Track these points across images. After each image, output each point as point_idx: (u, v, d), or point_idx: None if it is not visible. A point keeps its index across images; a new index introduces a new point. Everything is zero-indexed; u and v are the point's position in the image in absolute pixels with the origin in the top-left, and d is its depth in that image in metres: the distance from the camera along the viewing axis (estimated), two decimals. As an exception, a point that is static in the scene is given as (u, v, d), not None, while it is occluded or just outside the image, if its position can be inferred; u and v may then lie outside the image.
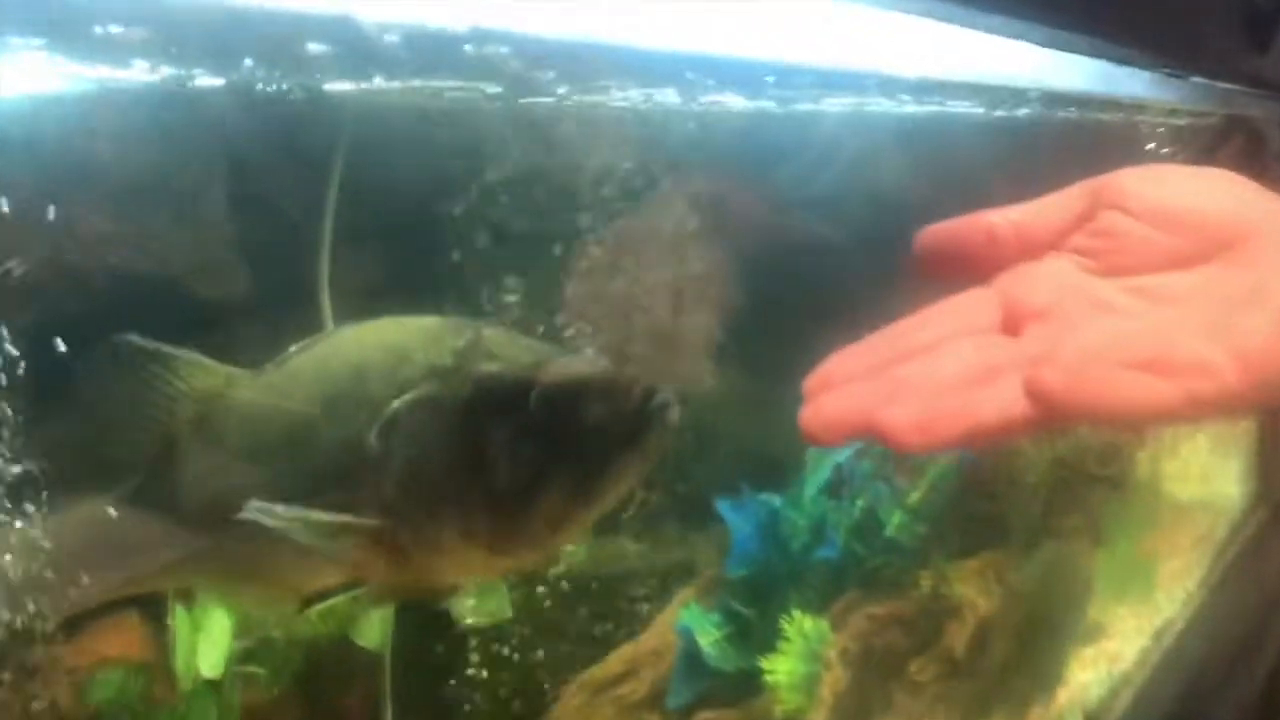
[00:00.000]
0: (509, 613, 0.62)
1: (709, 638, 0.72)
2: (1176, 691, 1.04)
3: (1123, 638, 1.02)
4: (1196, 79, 0.97)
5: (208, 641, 0.51)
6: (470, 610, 0.61)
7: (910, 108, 0.74)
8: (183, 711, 0.53)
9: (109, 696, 0.50)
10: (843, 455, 0.83)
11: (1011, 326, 0.35)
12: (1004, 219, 0.38)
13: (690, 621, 0.72)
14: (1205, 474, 1.26)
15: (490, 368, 0.43)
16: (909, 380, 0.32)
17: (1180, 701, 1.04)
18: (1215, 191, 0.39)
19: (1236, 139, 1.26)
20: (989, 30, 0.52)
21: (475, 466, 0.41)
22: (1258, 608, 1.35)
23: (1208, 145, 1.21)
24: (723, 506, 0.77)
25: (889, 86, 0.65)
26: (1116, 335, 0.33)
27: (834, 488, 0.83)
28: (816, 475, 0.84)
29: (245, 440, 0.46)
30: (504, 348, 0.44)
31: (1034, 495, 0.92)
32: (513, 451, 0.41)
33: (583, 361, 0.45)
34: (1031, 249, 0.37)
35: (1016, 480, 0.90)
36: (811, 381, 0.33)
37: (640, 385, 0.44)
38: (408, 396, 0.41)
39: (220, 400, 0.47)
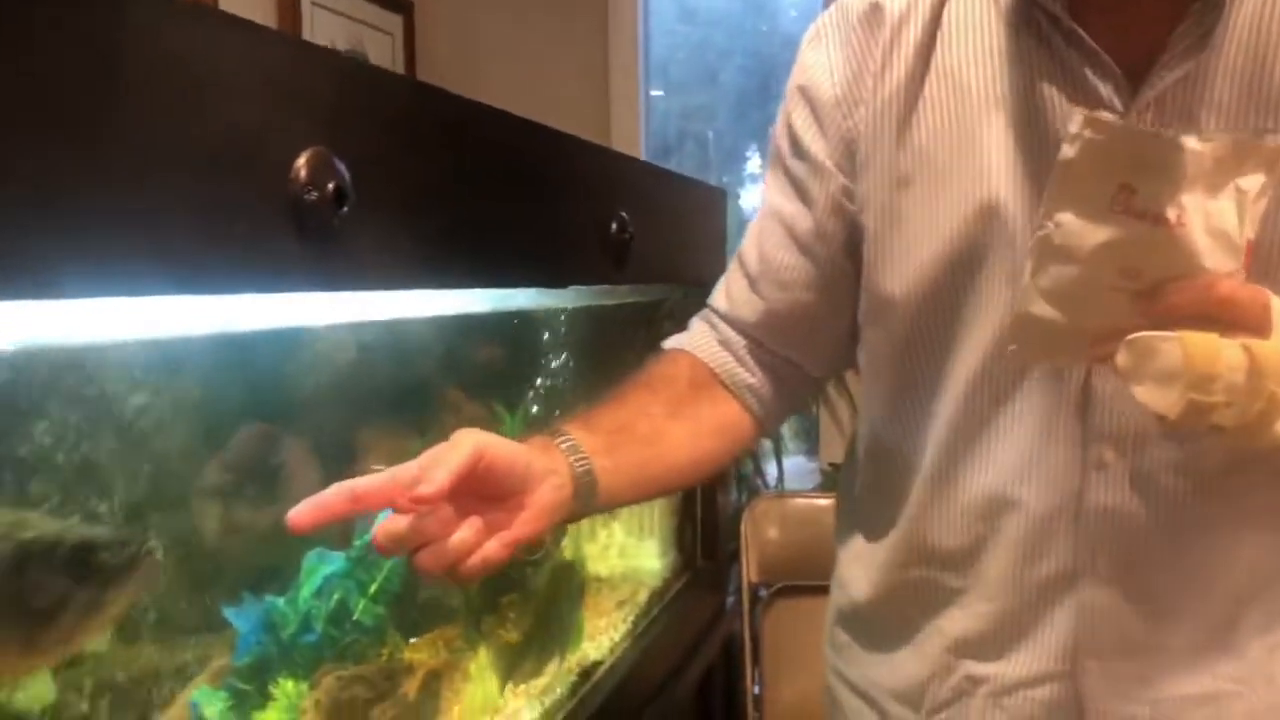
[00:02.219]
0: (53, 695, 0.88)
1: (214, 709, 1.00)
2: (600, 706, 1.41)
3: (554, 676, 1.40)
4: (576, 286, 1.42)
5: None
6: (21, 700, 0.86)
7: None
8: None
9: None
10: (332, 567, 1.16)
11: None
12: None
13: (200, 699, 1.00)
14: (624, 551, 1.73)
15: (29, 534, 0.70)
16: None
17: (604, 713, 1.43)
18: (512, 452, 0.75)
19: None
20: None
21: (13, 601, 0.68)
22: (680, 649, 1.84)
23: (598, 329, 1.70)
24: (229, 612, 1.06)
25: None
26: None
27: (321, 590, 1.15)
28: (310, 582, 1.15)
29: None
30: (40, 523, 0.71)
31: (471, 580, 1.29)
32: (39, 587, 0.68)
33: (96, 529, 0.72)
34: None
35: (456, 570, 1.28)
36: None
37: (136, 539, 0.73)
38: None
39: None
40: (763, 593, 2.47)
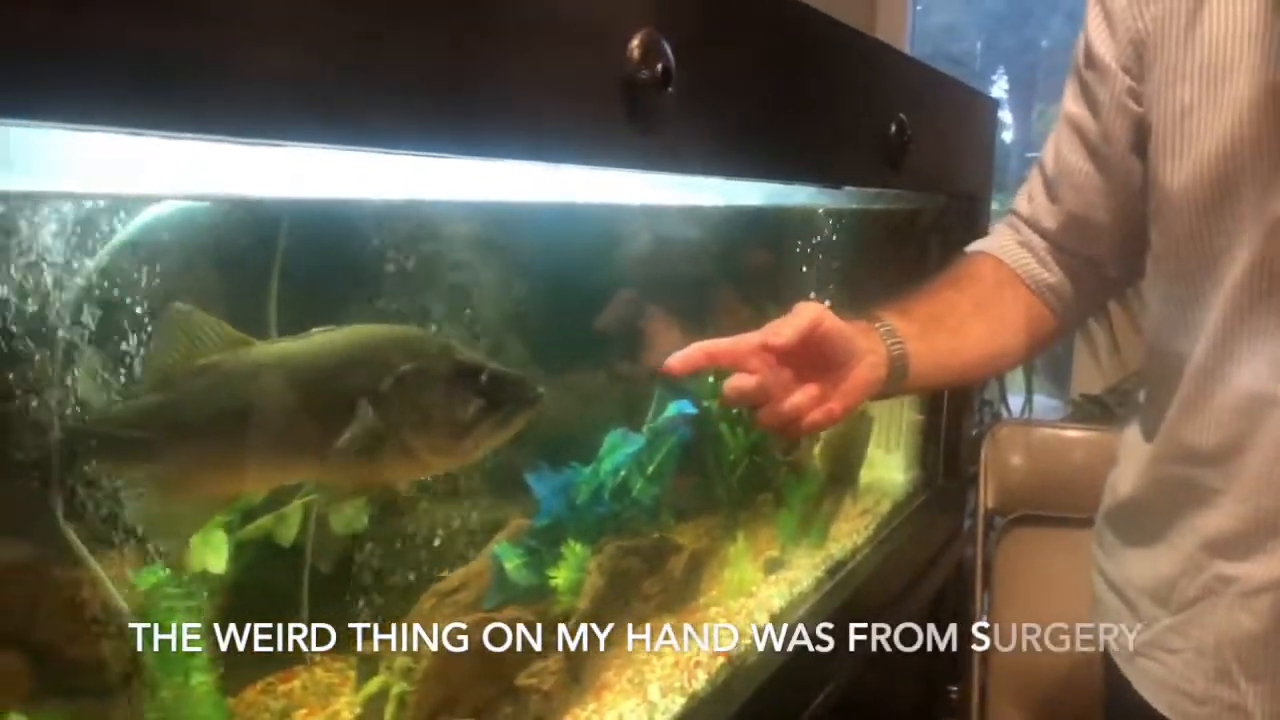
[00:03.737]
0: (365, 524, 0.99)
1: (513, 563, 1.09)
2: (843, 601, 1.44)
3: (800, 569, 1.45)
4: (849, 188, 1.43)
5: (212, 550, 0.85)
6: (340, 522, 0.98)
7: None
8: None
9: (152, 583, 0.83)
10: (632, 448, 1.23)
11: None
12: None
13: (500, 553, 1.09)
14: (871, 462, 1.74)
15: (461, 357, 0.81)
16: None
17: (846, 607, 1.46)
18: (842, 327, 0.83)
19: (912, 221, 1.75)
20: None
21: (445, 407, 0.78)
22: (917, 564, 1.84)
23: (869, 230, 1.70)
24: (530, 478, 1.15)
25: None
26: None
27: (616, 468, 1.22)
28: (611, 458, 1.22)
29: (264, 383, 0.77)
30: (465, 351, 0.83)
31: (733, 472, 1.35)
32: (466, 401, 0.79)
33: (505, 367, 0.83)
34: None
35: (721, 461, 1.33)
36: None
37: (533, 382, 0.84)
38: (411, 365, 0.78)
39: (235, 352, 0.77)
40: (998, 520, 2.43)
